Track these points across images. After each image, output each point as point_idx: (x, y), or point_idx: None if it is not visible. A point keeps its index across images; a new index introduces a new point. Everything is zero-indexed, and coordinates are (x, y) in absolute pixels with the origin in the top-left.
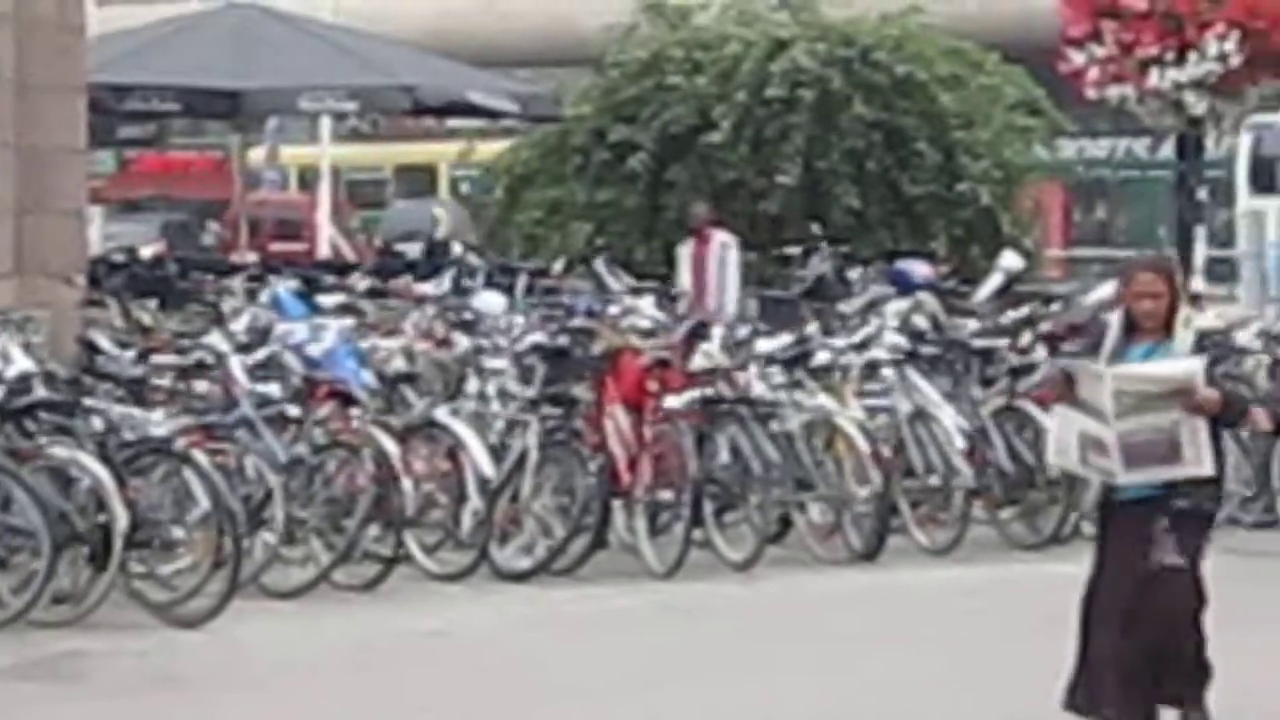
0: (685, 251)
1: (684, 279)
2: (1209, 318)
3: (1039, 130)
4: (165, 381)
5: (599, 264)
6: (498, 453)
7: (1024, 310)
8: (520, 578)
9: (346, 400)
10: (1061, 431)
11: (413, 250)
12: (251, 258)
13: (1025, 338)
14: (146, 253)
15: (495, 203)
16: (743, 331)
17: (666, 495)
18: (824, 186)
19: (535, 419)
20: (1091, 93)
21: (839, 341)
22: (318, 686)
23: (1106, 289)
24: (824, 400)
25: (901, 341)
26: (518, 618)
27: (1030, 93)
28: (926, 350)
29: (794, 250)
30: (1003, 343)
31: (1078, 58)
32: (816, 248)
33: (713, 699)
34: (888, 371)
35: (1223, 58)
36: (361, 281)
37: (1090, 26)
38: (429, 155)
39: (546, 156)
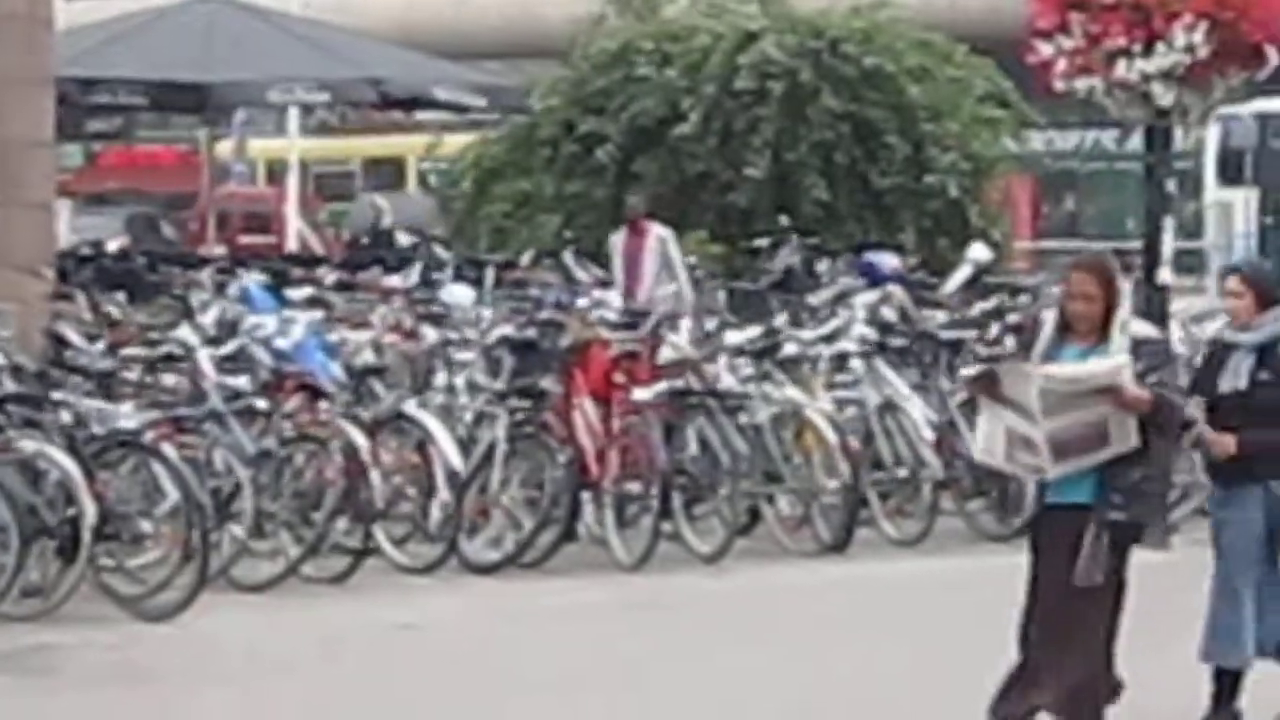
0: (618, 243)
1: (617, 271)
2: (1144, 326)
3: (1007, 122)
4: (134, 375)
5: (567, 256)
6: (466, 445)
7: (992, 302)
8: (489, 570)
9: (315, 393)
10: (988, 429)
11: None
12: (220, 251)
13: (994, 329)
14: (111, 246)
15: (463, 195)
16: (711, 324)
17: (635, 487)
18: (793, 178)
19: (503, 411)
20: (1059, 84)
21: (807, 333)
22: (286, 679)
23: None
24: (792, 392)
25: (870, 333)
26: (486, 610)
27: (998, 85)
28: (895, 342)
29: (762, 242)
30: (971, 334)
31: (1045, 49)
32: (785, 240)
33: (681, 690)
34: (856, 363)
35: (1190, 49)
36: (330, 275)
37: (1058, 18)
38: (397, 148)
39: (515, 149)
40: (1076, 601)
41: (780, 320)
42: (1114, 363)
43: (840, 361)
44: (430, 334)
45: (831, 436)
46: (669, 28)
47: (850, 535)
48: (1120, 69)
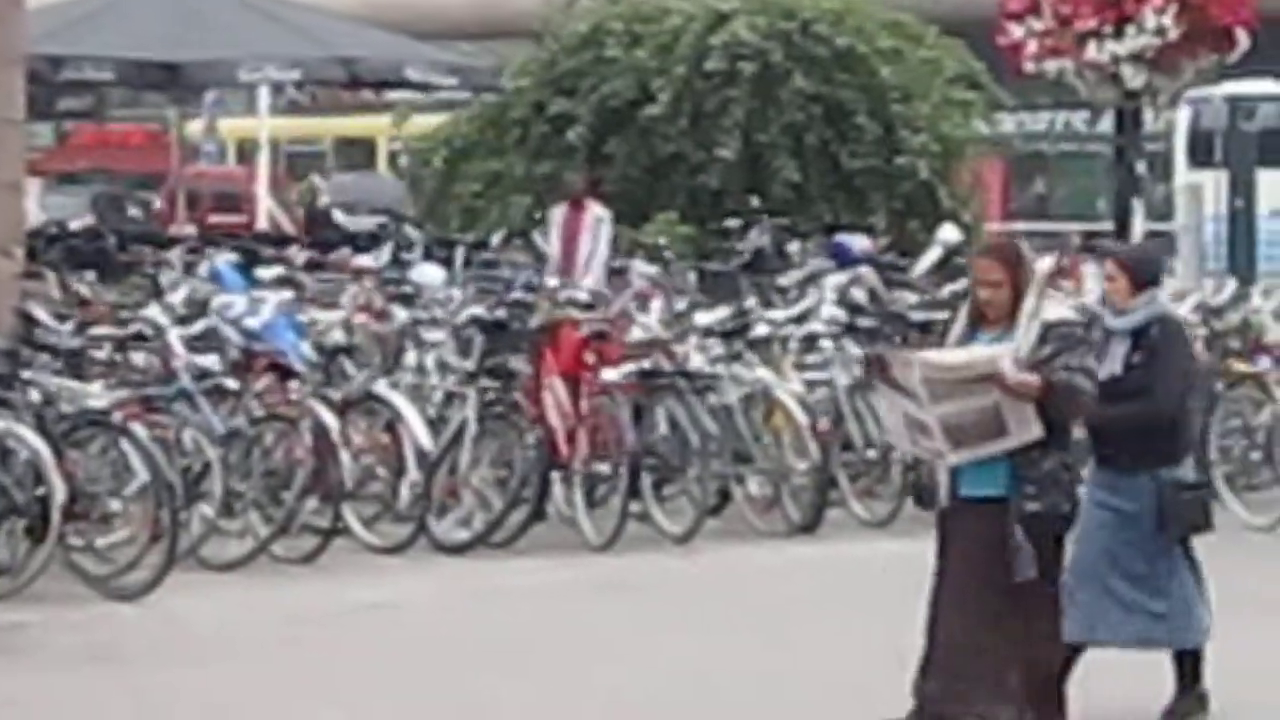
0: (558, 218)
1: (553, 245)
2: (1062, 309)
3: (978, 104)
4: (103, 354)
5: (538, 237)
6: (436, 425)
7: (962, 284)
8: (458, 550)
9: (285, 373)
10: (889, 414)
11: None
12: (190, 230)
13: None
14: (75, 225)
15: (434, 175)
16: (681, 304)
17: (604, 468)
18: (763, 160)
19: (473, 391)
20: (1030, 66)
21: (778, 314)
22: (255, 659)
23: (1044, 263)
24: (762, 373)
25: (840, 314)
26: (456, 590)
27: (969, 66)
28: (865, 323)
29: (733, 223)
30: (941, 316)
31: (1016, 31)
32: (756, 221)
33: (651, 671)
34: (826, 344)
35: (1161, 31)
36: (300, 254)
37: (1029, 0)
38: (367, 128)
39: (485, 129)
40: (1008, 601)
41: (750, 301)
42: (991, 351)
43: (810, 342)
44: (400, 314)
45: (801, 417)
46: (640, 8)
47: (820, 516)
48: (1091, 51)
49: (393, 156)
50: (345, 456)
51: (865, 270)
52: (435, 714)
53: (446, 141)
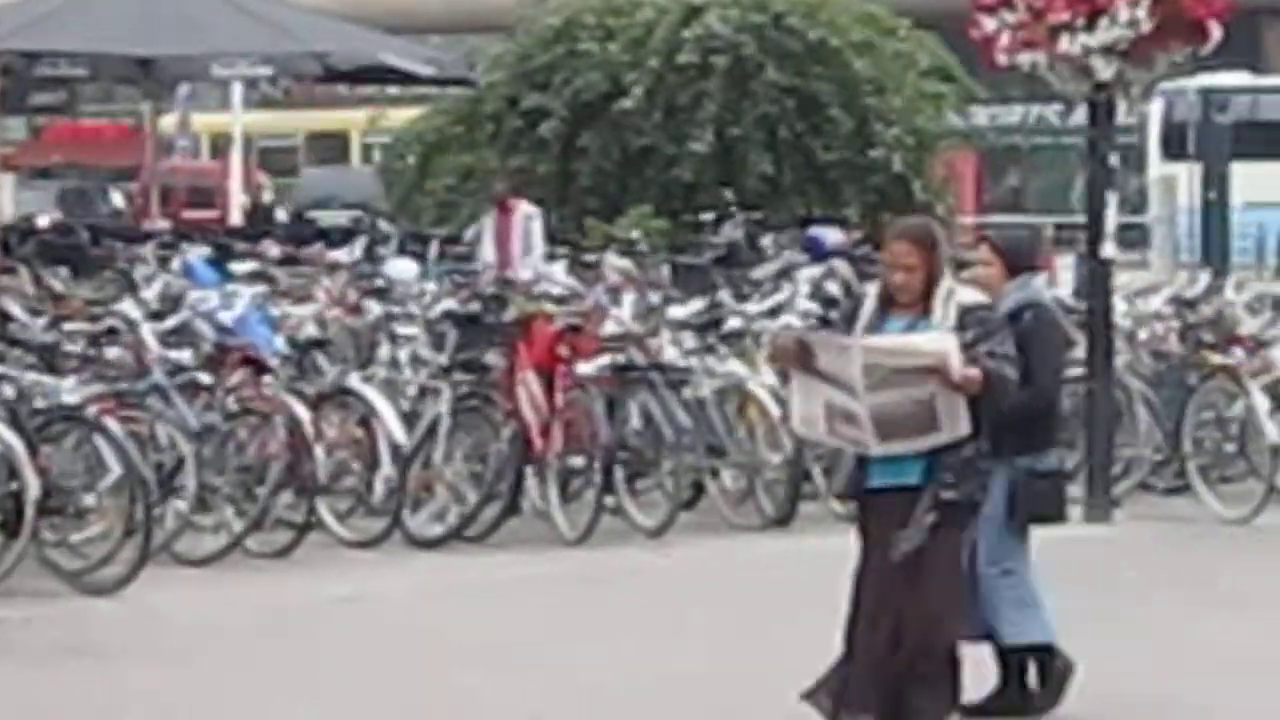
0: (489, 223)
1: (487, 250)
2: (971, 293)
3: (951, 97)
4: (77, 348)
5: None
6: (410, 419)
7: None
8: (433, 544)
9: (258, 367)
10: (804, 402)
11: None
12: (163, 225)
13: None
14: (43, 221)
15: (408, 169)
16: (654, 298)
17: (578, 462)
18: (736, 153)
19: (447, 386)
20: (1002, 59)
21: (751, 308)
22: (230, 654)
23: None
24: (736, 366)
25: (814, 308)
26: (430, 584)
27: (943, 59)
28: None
29: (706, 217)
30: None
31: (989, 24)
32: (729, 214)
33: (625, 665)
34: None
35: (1133, 23)
36: (273, 249)
37: None
38: (341, 122)
39: (459, 124)
40: (918, 590)
41: (724, 294)
42: (942, 343)
43: None
44: (374, 308)
45: (775, 410)
46: (613, 2)
47: (794, 509)
48: (1063, 43)
49: (366, 151)
50: (319, 451)
51: (839, 263)
52: (410, 707)
53: (420, 136)
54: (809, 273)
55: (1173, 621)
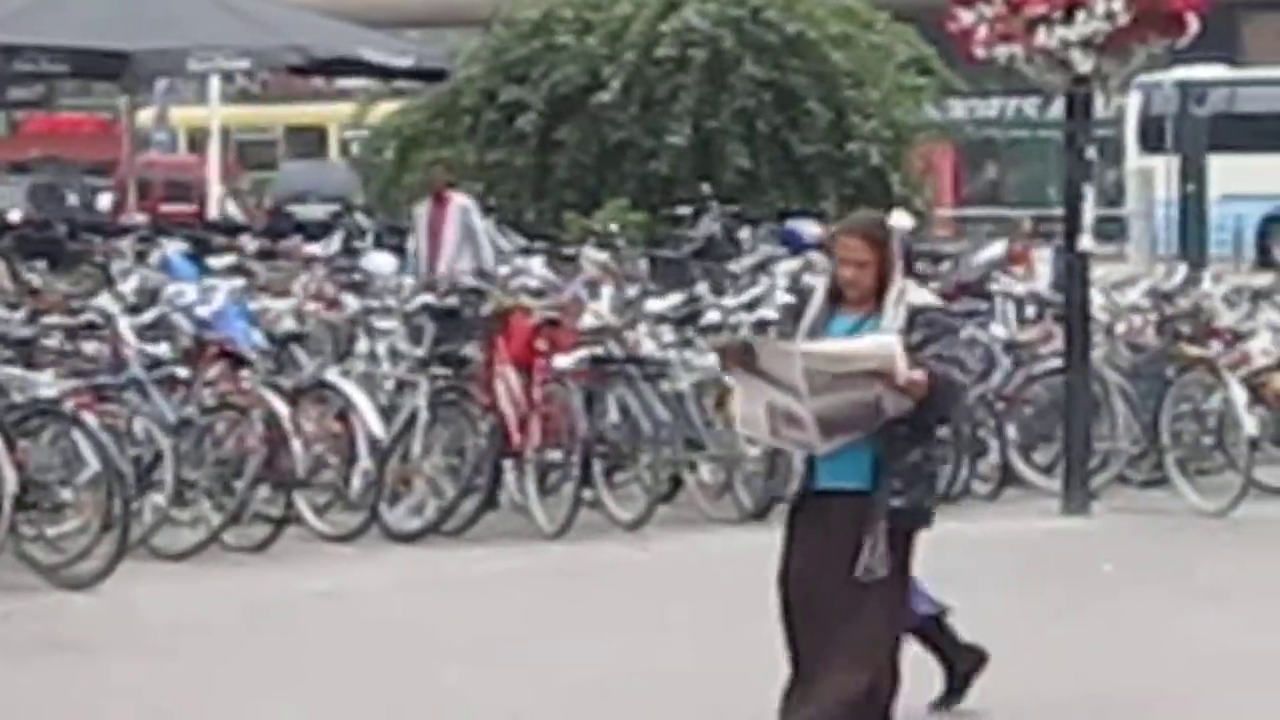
0: (422, 213)
1: (420, 241)
2: (923, 293)
3: (929, 89)
4: (54, 343)
5: (489, 224)
6: (388, 413)
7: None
8: (411, 538)
9: (236, 361)
10: (746, 404)
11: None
12: (141, 219)
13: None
14: (13, 216)
15: (386, 163)
16: (632, 291)
17: (556, 455)
18: (714, 146)
19: (425, 379)
20: (980, 52)
21: (729, 301)
22: (209, 648)
23: (996, 248)
24: (714, 360)
25: (791, 301)
26: (408, 578)
27: (920, 52)
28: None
29: (684, 210)
30: None
31: (967, 17)
32: (707, 207)
33: (604, 658)
34: (777, 331)
35: (1110, 16)
36: (251, 243)
37: None
38: (319, 116)
39: (436, 117)
40: (859, 599)
41: (701, 288)
42: (885, 346)
43: (761, 329)
44: (352, 302)
45: None
46: None
47: (772, 503)
48: (1040, 36)
49: (344, 145)
50: (297, 445)
51: (817, 256)
52: (388, 701)
53: (397, 130)
54: (787, 266)
55: (1150, 614)
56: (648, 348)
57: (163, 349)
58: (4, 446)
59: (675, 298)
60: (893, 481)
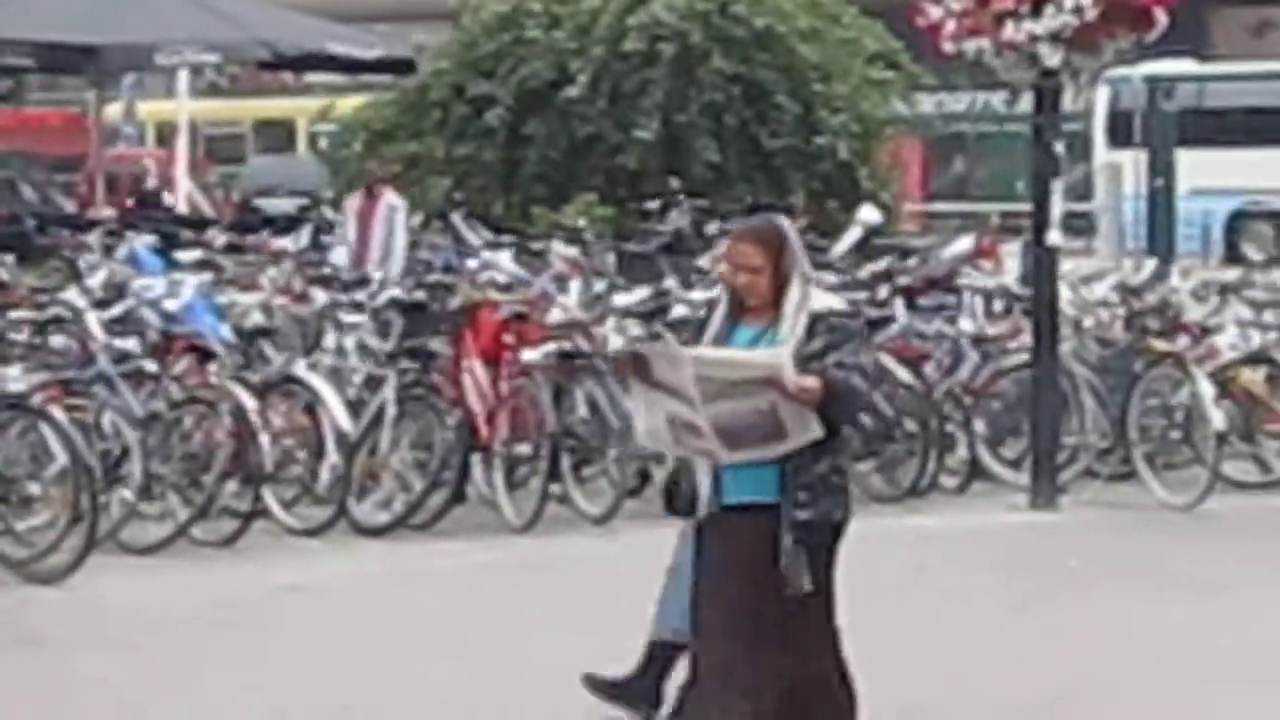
0: (352, 206)
1: (349, 234)
2: (827, 298)
3: (897, 84)
4: (22, 337)
5: (457, 219)
6: (355, 407)
7: (882, 264)
8: (378, 532)
9: (204, 355)
10: (646, 414)
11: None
12: (109, 213)
13: (883, 291)
14: None
15: (354, 157)
16: (600, 285)
17: (524, 449)
18: (682, 140)
19: (393, 373)
20: (948, 46)
21: (697, 295)
22: (176, 642)
23: (964, 243)
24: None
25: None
26: (376, 572)
27: (888, 46)
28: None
29: (652, 204)
30: (861, 296)
31: (934, 11)
32: (675, 202)
33: (572, 652)
34: None
35: (1079, 10)
36: (219, 237)
37: None
38: (287, 110)
39: (405, 112)
40: (783, 618)
41: (670, 282)
42: (771, 355)
43: None
44: (320, 296)
45: None
46: None
47: None
48: (1009, 30)
49: (312, 139)
50: (264, 439)
51: None
52: (356, 696)
53: (366, 124)
54: None
55: (1117, 608)
56: (616, 342)
57: (130, 343)
58: None
59: (643, 292)
60: (799, 494)
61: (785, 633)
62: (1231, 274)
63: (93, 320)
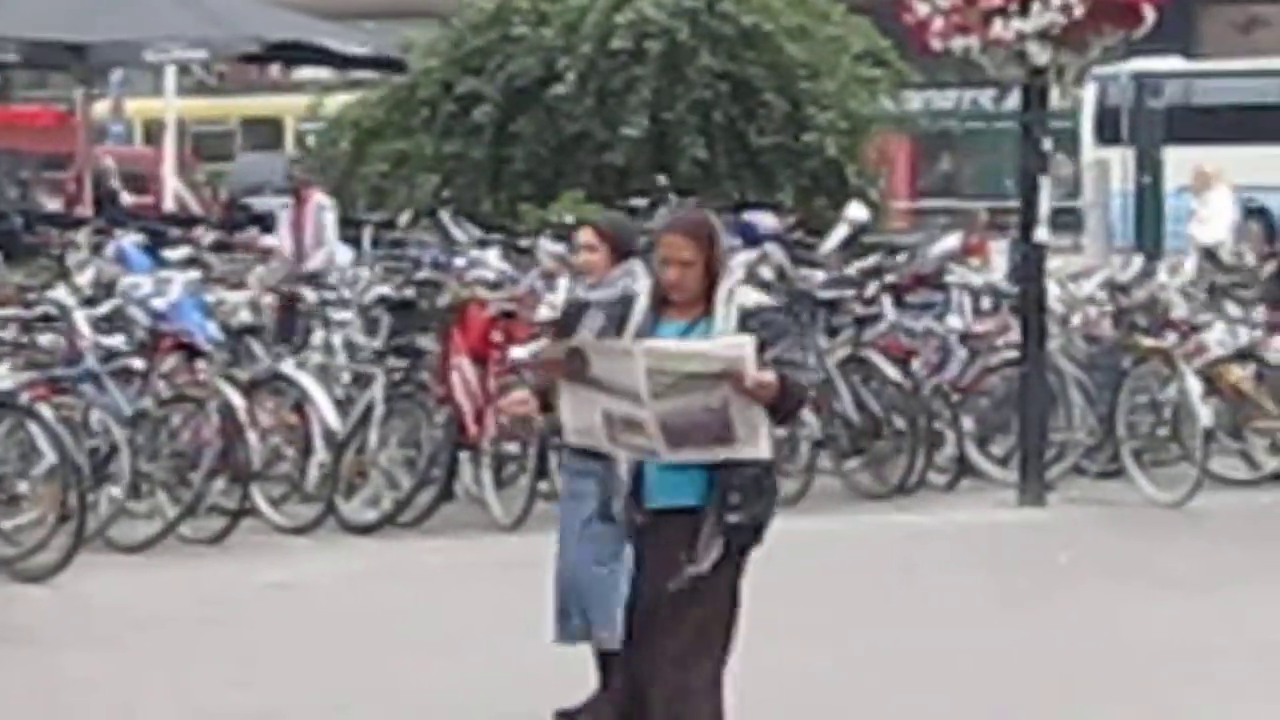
0: (285, 213)
1: (283, 237)
2: (755, 294)
3: (885, 81)
4: (10, 335)
5: (445, 216)
6: (344, 405)
7: (870, 261)
8: (367, 530)
9: (192, 353)
10: (576, 414)
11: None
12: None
13: (871, 288)
14: None
15: (342, 155)
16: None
17: (512, 447)
18: (670, 138)
19: (381, 371)
20: (936, 44)
21: None
22: (165, 640)
23: (952, 240)
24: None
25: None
26: (364, 570)
27: (876, 43)
28: (772, 301)
29: (640, 202)
30: (849, 294)
31: (922, 9)
32: (663, 199)
33: (559, 648)
34: None
35: (1066, 8)
36: (207, 235)
37: None
38: (275, 108)
39: (393, 109)
40: (693, 617)
41: None
42: (737, 345)
43: None
44: (308, 294)
45: None
46: None
47: None
48: (996, 28)
49: (300, 136)
50: (253, 437)
51: (772, 248)
52: (344, 694)
53: (354, 122)
54: (743, 257)
55: (1106, 605)
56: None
57: (118, 341)
58: None
59: None
60: (730, 496)
61: (685, 640)
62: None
63: (81, 318)
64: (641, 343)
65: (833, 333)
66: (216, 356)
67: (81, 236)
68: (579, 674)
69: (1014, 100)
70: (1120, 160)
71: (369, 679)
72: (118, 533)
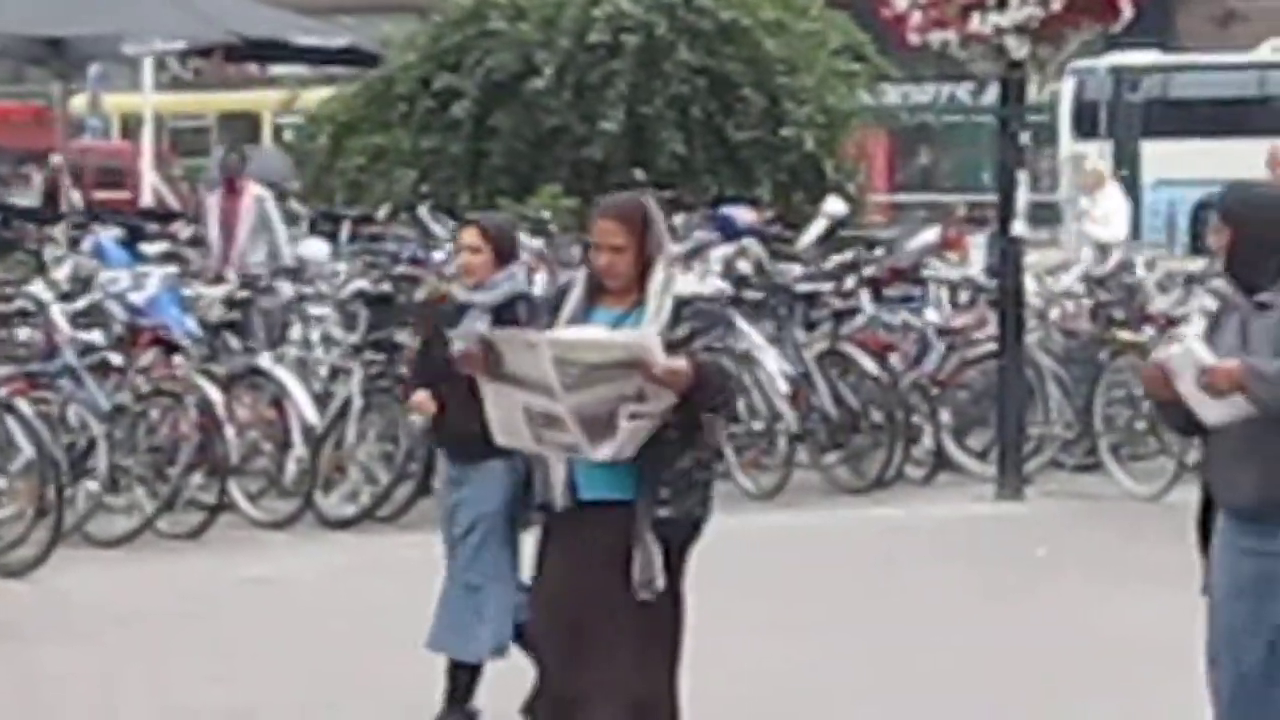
0: (213, 202)
1: (211, 230)
2: (691, 281)
3: (863, 76)
4: None
5: (423, 211)
6: (322, 400)
7: (848, 255)
8: (345, 525)
9: (170, 348)
10: (501, 411)
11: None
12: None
13: (849, 282)
14: None
15: (320, 150)
16: (565, 277)
17: None
18: (648, 132)
19: (359, 366)
20: (914, 38)
21: None
22: (143, 635)
23: (930, 234)
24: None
25: (725, 286)
26: (342, 565)
27: (854, 38)
28: (750, 295)
29: None
30: (827, 287)
31: (900, 3)
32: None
33: None
34: None
35: (1044, 2)
36: (185, 229)
37: None
38: (252, 103)
39: (371, 104)
40: (627, 621)
41: None
42: (639, 333)
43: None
44: (285, 288)
45: None
46: None
47: None
48: (974, 22)
49: (278, 131)
50: (230, 432)
51: (750, 242)
52: (323, 688)
53: (332, 117)
54: (721, 252)
55: (1083, 598)
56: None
57: (96, 336)
58: None
59: None
60: (660, 490)
61: (630, 643)
62: (1197, 264)
63: (58, 313)
64: (544, 334)
65: (810, 327)
66: (194, 351)
67: (59, 231)
68: None
69: (992, 94)
70: (1098, 154)
71: (348, 674)
72: (96, 527)
